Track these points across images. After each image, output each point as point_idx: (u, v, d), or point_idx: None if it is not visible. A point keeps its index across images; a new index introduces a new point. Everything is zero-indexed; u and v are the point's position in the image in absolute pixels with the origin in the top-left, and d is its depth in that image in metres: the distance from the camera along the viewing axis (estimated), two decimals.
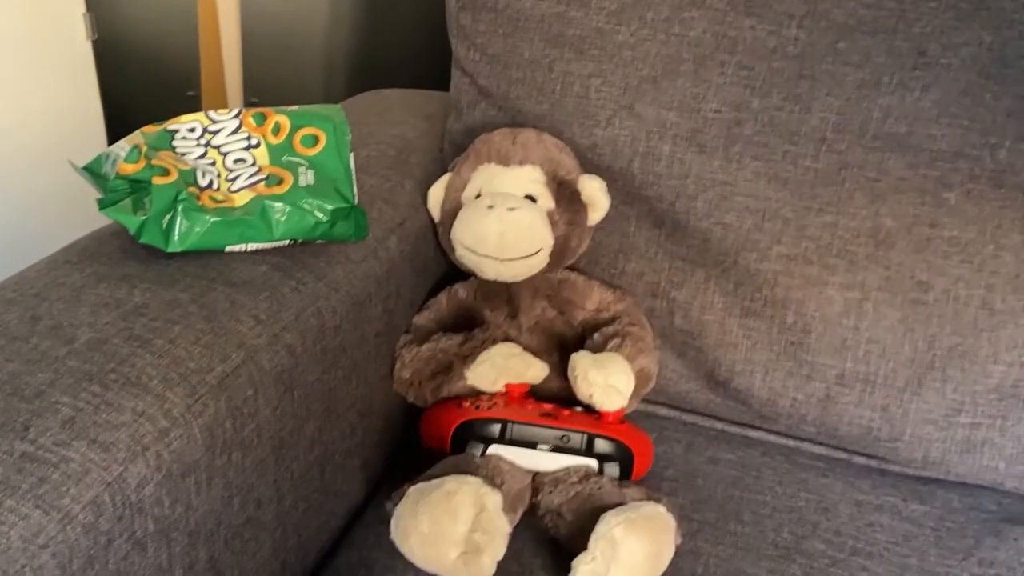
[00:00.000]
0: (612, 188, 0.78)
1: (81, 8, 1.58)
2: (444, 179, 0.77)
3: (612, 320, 0.75)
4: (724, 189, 0.76)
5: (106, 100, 1.65)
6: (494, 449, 0.64)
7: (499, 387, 0.68)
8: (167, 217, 0.57)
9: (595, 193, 0.76)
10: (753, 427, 0.81)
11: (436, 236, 0.79)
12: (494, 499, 0.57)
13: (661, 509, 0.59)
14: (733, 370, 0.78)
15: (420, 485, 0.59)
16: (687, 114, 0.77)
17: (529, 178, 0.74)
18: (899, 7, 0.72)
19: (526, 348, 0.72)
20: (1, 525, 0.40)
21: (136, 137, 0.62)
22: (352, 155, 0.68)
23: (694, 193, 0.77)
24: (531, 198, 0.73)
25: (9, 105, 1.47)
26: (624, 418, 0.68)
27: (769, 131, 0.75)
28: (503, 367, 0.68)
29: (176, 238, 0.58)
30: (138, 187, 0.58)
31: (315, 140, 0.67)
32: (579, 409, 0.68)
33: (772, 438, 0.80)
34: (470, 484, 0.57)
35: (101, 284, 0.56)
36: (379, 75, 1.55)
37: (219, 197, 0.61)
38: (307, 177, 0.64)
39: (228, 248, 0.61)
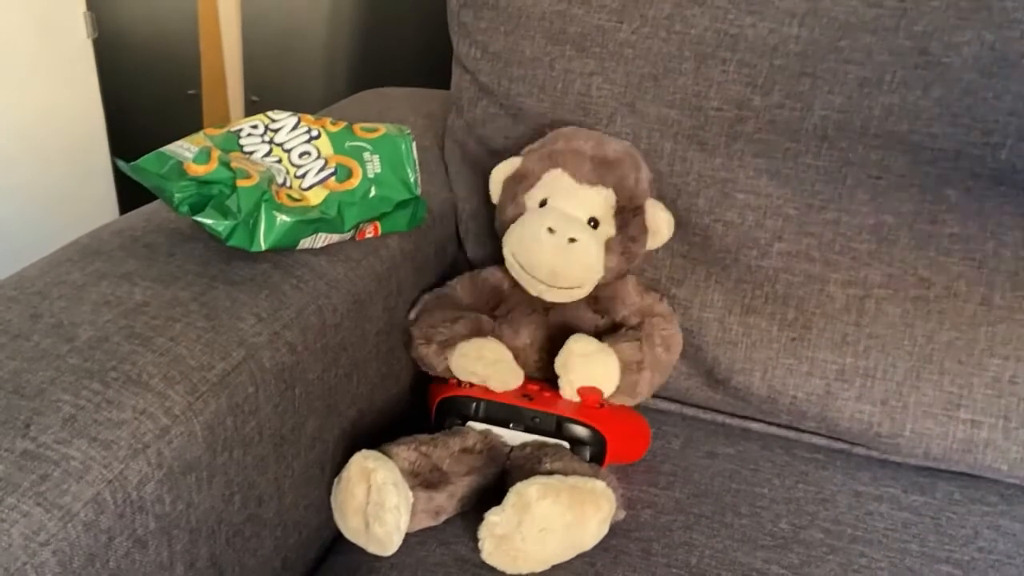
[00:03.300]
0: None
1: (81, 7, 1.58)
2: (513, 163, 0.75)
3: (647, 317, 0.74)
4: (725, 186, 0.76)
5: (106, 99, 1.65)
6: (472, 425, 0.67)
7: (472, 380, 0.68)
8: (255, 218, 0.58)
9: (661, 226, 0.73)
10: (753, 419, 0.81)
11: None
12: (382, 474, 0.58)
13: (599, 484, 0.59)
14: (733, 368, 0.78)
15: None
16: (688, 112, 0.77)
17: (597, 201, 0.71)
18: (901, 5, 0.72)
19: (544, 345, 0.72)
20: (2, 523, 0.40)
21: (200, 139, 0.62)
22: (415, 144, 0.68)
23: (695, 190, 0.77)
24: (594, 221, 0.71)
25: (9, 103, 1.47)
26: (604, 402, 0.69)
27: (770, 129, 0.75)
28: (484, 367, 0.67)
29: (261, 238, 0.58)
30: (206, 188, 0.58)
31: (374, 128, 0.68)
32: None
33: (772, 430, 0.80)
34: (360, 461, 0.59)
35: (102, 282, 0.56)
36: (380, 73, 1.55)
37: (295, 195, 0.62)
38: (374, 164, 0.65)
39: (301, 243, 0.62)
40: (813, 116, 0.74)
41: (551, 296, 0.71)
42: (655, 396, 0.83)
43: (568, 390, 0.66)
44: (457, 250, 0.87)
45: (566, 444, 0.66)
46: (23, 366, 0.48)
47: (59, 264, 0.58)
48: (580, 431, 0.65)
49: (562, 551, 0.59)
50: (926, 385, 0.73)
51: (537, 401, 0.66)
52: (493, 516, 0.57)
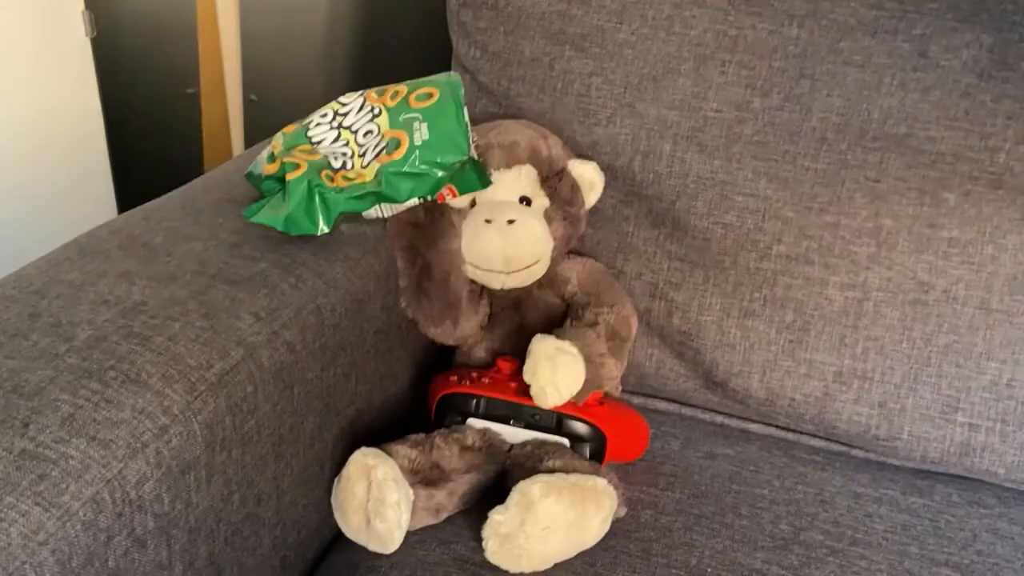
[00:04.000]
0: (612, 186, 0.78)
1: (80, 5, 1.58)
2: None
3: (590, 300, 0.74)
4: (724, 188, 0.76)
5: (105, 97, 1.65)
6: (471, 423, 0.67)
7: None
8: (308, 205, 0.62)
9: (591, 176, 0.75)
10: (752, 420, 0.81)
11: None
12: (382, 470, 0.59)
13: (600, 482, 0.60)
14: (731, 371, 0.78)
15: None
16: (688, 113, 0.77)
17: (521, 180, 0.73)
18: (900, 8, 0.72)
19: (526, 339, 0.72)
20: (1, 522, 0.40)
21: (276, 138, 0.67)
22: (466, 108, 0.69)
23: (694, 192, 0.77)
24: (526, 199, 0.73)
25: (8, 102, 1.47)
26: (603, 400, 0.69)
27: (769, 131, 0.75)
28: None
29: (320, 222, 0.62)
30: (281, 184, 0.63)
31: (429, 95, 0.69)
32: None
33: (771, 431, 0.80)
34: (360, 458, 0.60)
35: (100, 281, 0.56)
36: (379, 72, 1.54)
37: (352, 175, 0.65)
38: (421, 132, 0.67)
39: (365, 214, 0.65)
40: (812, 118, 0.74)
41: (513, 282, 0.72)
42: (653, 396, 0.84)
43: (541, 396, 0.64)
44: None
45: (566, 441, 0.66)
46: (21, 365, 0.48)
47: (57, 263, 0.58)
48: (580, 427, 0.66)
49: (565, 549, 0.59)
50: (924, 388, 0.73)
51: None
52: (497, 515, 0.57)
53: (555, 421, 0.66)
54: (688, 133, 0.77)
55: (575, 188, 0.75)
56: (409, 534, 0.61)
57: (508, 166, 0.73)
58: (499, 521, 0.57)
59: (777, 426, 0.80)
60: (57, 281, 0.56)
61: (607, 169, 0.79)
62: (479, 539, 0.59)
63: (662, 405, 0.83)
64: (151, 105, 1.71)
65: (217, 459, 0.52)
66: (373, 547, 0.60)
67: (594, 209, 0.79)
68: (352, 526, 0.60)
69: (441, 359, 0.83)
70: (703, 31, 0.76)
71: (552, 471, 0.60)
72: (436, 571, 0.60)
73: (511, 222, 0.70)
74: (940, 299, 0.73)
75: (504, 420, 0.67)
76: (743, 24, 0.75)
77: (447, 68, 0.89)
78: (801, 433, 0.80)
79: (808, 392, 0.76)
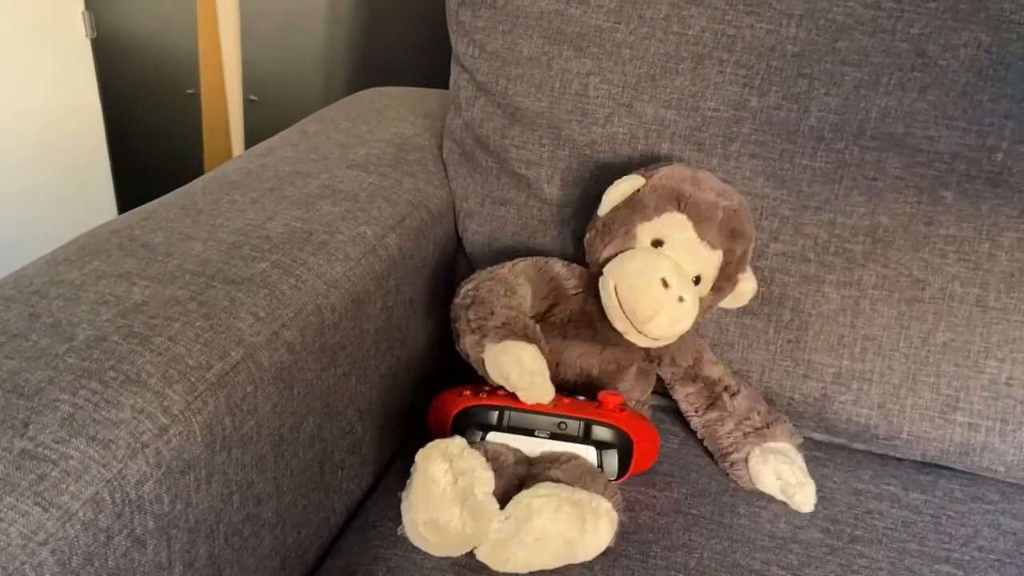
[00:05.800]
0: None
1: (80, 6, 1.58)
2: (633, 181, 0.71)
3: (717, 383, 0.74)
4: None
5: (105, 98, 1.66)
6: (493, 436, 0.64)
7: (502, 383, 0.64)
8: None
9: (748, 294, 0.73)
10: None
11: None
12: (457, 447, 0.57)
13: (603, 505, 0.58)
14: (730, 369, 0.78)
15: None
16: (685, 112, 0.77)
17: (710, 263, 0.69)
18: (898, 7, 0.72)
19: (589, 366, 0.71)
20: (1, 522, 0.40)
21: None
22: None
23: None
24: (698, 278, 0.69)
25: (8, 103, 1.47)
26: (624, 406, 0.67)
27: (767, 130, 0.75)
28: (519, 376, 0.63)
29: None
30: None
31: None
32: (581, 398, 0.67)
33: None
34: (429, 448, 0.57)
35: (100, 281, 0.56)
36: (379, 73, 1.55)
37: None
38: None
39: None
40: (810, 117, 0.74)
41: (633, 338, 0.69)
42: (652, 393, 0.83)
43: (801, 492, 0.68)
44: (456, 249, 0.87)
45: (592, 450, 0.63)
46: (21, 365, 0.48)
47: (57, 263, 0.58)
48: (608, 433, 0.63)
49: (552, 560, 0.58)
50: (922, 388, 0.73)
51: (558, 407, 0.64)
52: (495, 523, 0.57)
53: (583, 429, 0.63)
54: (686, 132, 0.77)
55: (730, 291, 0.72)
56: (405, 538, 0.61)
57: (713, 246, 0.68)
58: (496, 528, 0.56)
59: None
60: (57, 281, 0.56)
61: (606, 167, 0.79)
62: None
63: (660, 403, 0.83)
64: (151, 106, 1.71)
65: (217, 459, 0.52)
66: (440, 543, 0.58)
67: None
68: (453, 521, 0.57)
69: (431, 371, 0.83)
70: (701, 30, 0.76)
71: (558, 481, 0.58)
72: (432, 575, 0.60)
73: (681, 300, 0.65)
74: (937, 297, 0.73)
75: (529, 432, 0.64)
76: (741, 23, 0.75)
77: (446, 70, 0.89)
78: (801, 428, 0.79)
79: (807, 392, 0.76)
